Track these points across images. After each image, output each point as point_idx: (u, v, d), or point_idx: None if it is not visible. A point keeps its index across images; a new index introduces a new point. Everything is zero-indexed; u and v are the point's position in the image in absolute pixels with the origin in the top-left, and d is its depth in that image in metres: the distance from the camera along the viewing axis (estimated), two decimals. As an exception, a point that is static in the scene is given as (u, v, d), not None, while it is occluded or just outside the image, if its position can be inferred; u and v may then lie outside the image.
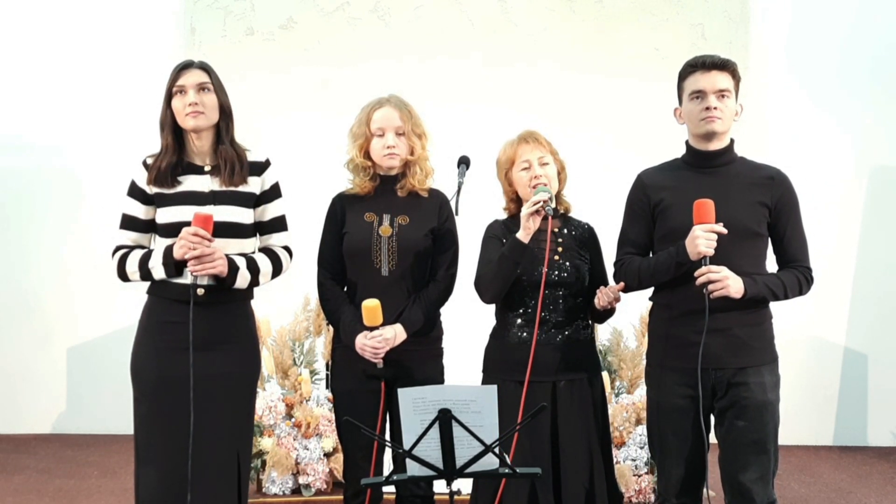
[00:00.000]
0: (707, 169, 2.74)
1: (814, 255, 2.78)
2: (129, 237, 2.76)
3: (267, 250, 2.83)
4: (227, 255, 2.67)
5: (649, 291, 2.86)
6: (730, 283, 2.56)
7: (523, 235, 2.73)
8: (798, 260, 2.73)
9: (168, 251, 2.65)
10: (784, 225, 2.71)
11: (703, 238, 2.55)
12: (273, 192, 2.83)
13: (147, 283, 2.75)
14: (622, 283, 2.80)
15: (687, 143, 2.81)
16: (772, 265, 2.78)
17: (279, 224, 2.86)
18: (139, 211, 2.74)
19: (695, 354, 2.61)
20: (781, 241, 2.73)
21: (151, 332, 2.72)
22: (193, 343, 2.61)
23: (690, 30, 5.45)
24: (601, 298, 2.80)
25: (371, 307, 2.73)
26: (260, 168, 2.80)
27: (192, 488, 2.59)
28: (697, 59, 2.74)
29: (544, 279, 2.79)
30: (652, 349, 2.85)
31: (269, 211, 2.83)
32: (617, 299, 2.81)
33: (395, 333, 2.80)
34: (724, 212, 2.59)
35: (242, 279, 2.71)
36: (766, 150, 5.11)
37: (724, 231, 2.57)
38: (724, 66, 2.70)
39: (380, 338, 2.77)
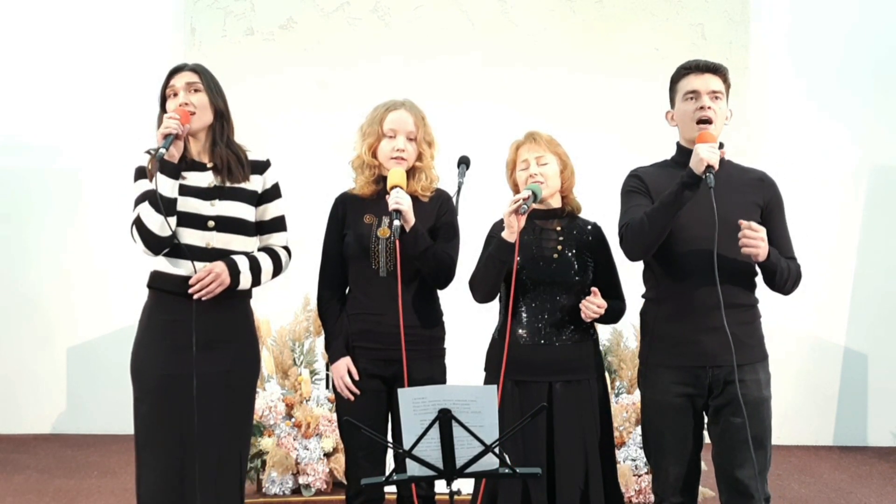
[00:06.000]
0: None
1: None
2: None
3: (268, 250, 2.84)
4: (228, 259, 2.68)
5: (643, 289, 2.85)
6: (762, 246, 2.59)
7: (507, 234, 2.74)
8: (789, 256, 2.80)
9: (157, 159, 2.58)
10: (775, 223, 2.78)
11: (704, 147, 2.55)
12: (274, 192, 2.84)
13: (146, 279, 2.72)
14: (595, 290, 2.78)
15: (678, 143, 2.83)
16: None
17: (280, 224, 2.86)
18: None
19: (691, 353, 2.65)
20: (772, 238, 2.75)
21: (153, 332, 2.71)
22: (196, 342, 2.62)
23: (690, 30, 5.45)
24: (585, 313, 2.78)
25: (397, 171, 2.79)
26: (262, 167, 2.81)
27: (199, 488, 2.59)
28: (691, 63, 2.80)
29: (546, 279, 2.79)
30: (645, 348, 2.84)
31: (270, 210, 2.83)
32: (601, 305, 2.77)
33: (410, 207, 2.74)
34: (722, 210, 2.59)
35: (245, 280, 2.72)
36: (766, 150, 5.11)
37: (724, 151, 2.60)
38: (717, 69, 2.76)
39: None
